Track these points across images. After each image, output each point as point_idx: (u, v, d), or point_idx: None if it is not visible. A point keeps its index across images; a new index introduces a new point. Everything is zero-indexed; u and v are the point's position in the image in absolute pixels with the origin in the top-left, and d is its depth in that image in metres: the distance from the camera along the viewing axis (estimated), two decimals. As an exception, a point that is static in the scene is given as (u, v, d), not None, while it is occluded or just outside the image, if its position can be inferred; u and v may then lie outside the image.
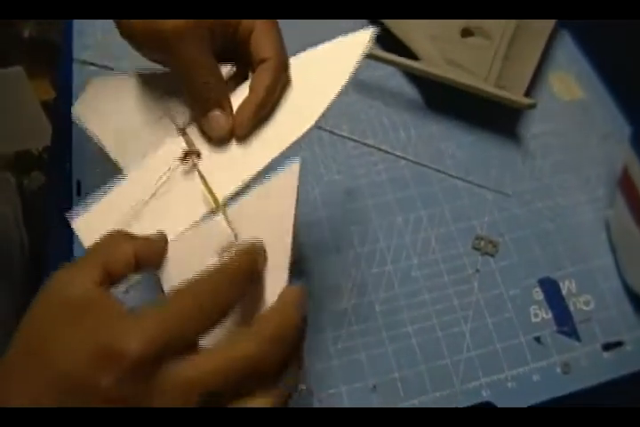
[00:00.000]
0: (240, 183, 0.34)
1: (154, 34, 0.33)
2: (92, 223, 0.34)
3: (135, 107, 0.38)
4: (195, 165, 0.35)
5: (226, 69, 0.36)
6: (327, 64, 0.36)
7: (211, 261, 0.29)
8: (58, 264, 0.28)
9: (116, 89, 0.39)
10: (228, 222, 0.32)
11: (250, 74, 0.37)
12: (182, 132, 0.36)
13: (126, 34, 0.34)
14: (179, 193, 0.34)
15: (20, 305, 0.28)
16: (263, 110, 0.35)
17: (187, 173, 0.35)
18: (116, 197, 0.35)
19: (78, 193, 0.52)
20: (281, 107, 0.36)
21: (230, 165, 0.35)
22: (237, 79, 0.37)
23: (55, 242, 0.50)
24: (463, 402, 0.45)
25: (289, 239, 0.31)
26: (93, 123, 0.38)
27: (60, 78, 0.59)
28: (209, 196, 0.34)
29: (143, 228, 0.33)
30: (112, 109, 0.38)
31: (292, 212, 0.31)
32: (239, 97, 0.36)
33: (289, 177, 0.32)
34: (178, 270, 0.31)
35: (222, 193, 0.34)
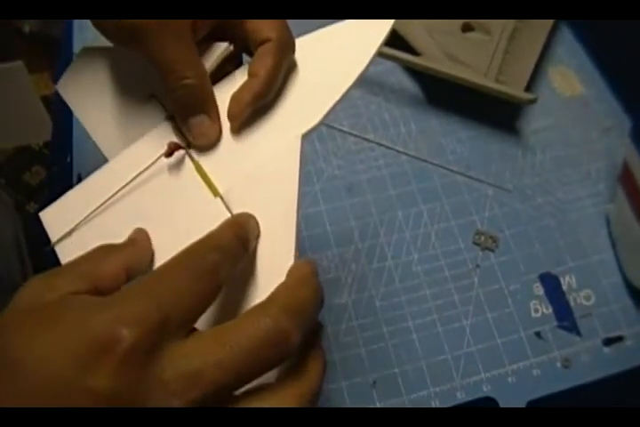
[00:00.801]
0: (230, 179, 0.30)
1: (119, 25, 0.28)
2: (60, 216, 0.31)
3: (123, 85, 0.34)
4: (181, 161, 0.31)
5: (221, 48, 0.32)
6: (340, 48, 0.31)
7: None
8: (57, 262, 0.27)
9: (105, 63, 0.34)
10: (228, 208, 0.29)
11: (245, 58, 0.33)
12: (170, 117, 0.32)
13: (96, 25, 0.30)
14: (165, 187, 0.31)
15: None
16: (263, 99, 0.30)
17: (173, 165, 0.31)
18: (87, 188, 0.32)
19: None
20: (284, 96, 0.31)
21: (219, 159, 0.31)
22: (235, 61, 0.33)
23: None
24: (464, 397, 0.45)
25: (293, 219, 0.28)
26: (78, 103, 0.35)
27: (60, 73, 0.59)
28: (205, 183, 0.30)
29: (117, 224, 0.30)
30: (98, 88, 0.34)
31: (295, 192, 0.28)
32: (235, 84, 0.31)
33: (289, 154, 0.29)
34: None
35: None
